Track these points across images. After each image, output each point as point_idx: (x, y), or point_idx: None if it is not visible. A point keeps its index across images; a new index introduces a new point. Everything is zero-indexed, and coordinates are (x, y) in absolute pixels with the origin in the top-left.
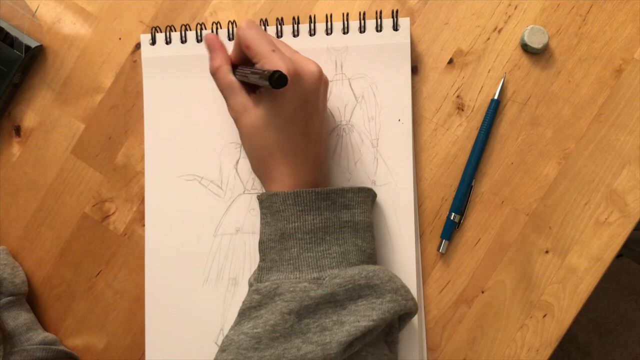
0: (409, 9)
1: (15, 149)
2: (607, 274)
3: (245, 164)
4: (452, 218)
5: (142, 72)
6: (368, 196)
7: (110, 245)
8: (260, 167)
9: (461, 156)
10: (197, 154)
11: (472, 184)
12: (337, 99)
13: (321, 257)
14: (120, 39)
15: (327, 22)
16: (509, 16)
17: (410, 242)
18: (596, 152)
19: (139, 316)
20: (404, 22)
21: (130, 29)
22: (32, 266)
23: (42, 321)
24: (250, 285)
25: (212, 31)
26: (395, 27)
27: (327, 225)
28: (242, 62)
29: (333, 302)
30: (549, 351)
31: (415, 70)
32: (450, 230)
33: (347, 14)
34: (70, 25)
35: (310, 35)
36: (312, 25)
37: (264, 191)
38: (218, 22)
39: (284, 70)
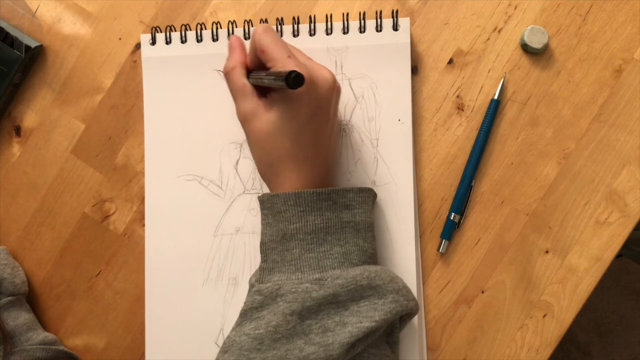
0: (409, 9)
1: (15, 149)
2: (607, 274)
3: (245, 164)
4: (452, 218)
5: (142, 72)
6: (369, 196)
7: (110, 245)
8: (267, 172)
9: (461, 156)
10: (197, 154)
11: (472, 184)
12: None
13: (323, 258)
14: (120, 39)
15: (327, 22)
16: (509, 16)
17: (410, 242)
18: (596, 152)
19: (139, 316)
20: (404, 22)
21: (130, 29)
22: (32, 266)
23: (42, 321)
24: (252, 286)
25: (212, 31)
26: (395, 27)
27: (329, 226)
28: (257, 67)
29: (335, 302)
30: (549, 351)
31: (415, 70)
32: (450, 230)
33: (347, 14)
34: (70, 25)
35: (310, 35)
36: (312, 25)
37: (265, 192)
38: (218, 22)
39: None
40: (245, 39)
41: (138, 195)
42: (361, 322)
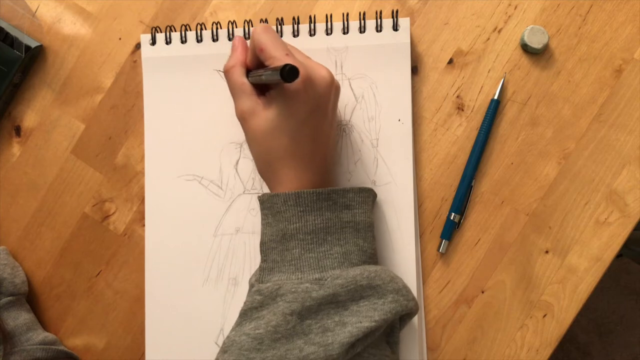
0: (409, 9)
1: (15, 149)
2: (607, 274)
3: (245, 164)
4: (452, 218)
5: (142, 72)
6: (369, 196)
7: (110, 245)
8: (266, 170)
9: (461, 156)
10: (197, 154)
11: (472, 184)
12: None
13: (323, 258)
14: (120, 39)
15: (327, 22)
16: (509, 16)
17: (410, 242)
18: (596, 152)
19: (139, 316)
20: (404, 22)
21: (130, 29)
22: (32, 266)
23: (42, 321)
24: (252, 285)
25: (212, 31)
26: (395, 27)
27: (329, 226)
28: (257, 66)
29: (335, 302)
30: (549, 351)
31: (415, 70)
32: (450, 230)
33: (347, 14)
34: (70, 25)
35: (310, 35)
36: (312, 25)
37: (265, 192)
38: (218, 22)
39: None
40: (246, 38)
41: (138, 195)
42: (361, 322)
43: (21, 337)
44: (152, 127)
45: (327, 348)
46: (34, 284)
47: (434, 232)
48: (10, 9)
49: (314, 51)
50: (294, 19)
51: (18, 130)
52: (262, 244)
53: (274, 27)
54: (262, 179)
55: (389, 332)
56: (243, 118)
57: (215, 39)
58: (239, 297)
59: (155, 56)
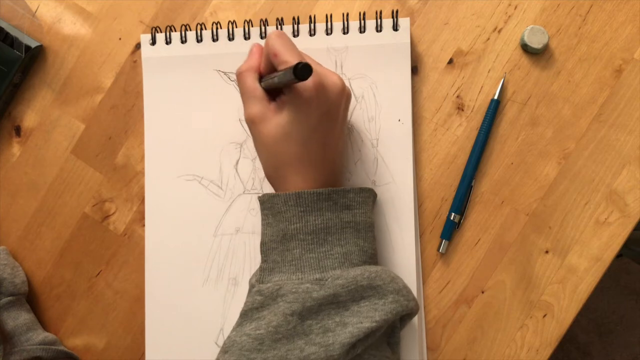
0: (409, 9)
1: (15, 149)
2: (607, 274)
3: (245, 164)
4: (452, 218)
5: (142, 72)
6: (369, 196)
7: (110, 245)
8: (275, 175)
9: (461, 156)
10: (197, 154)
11: (472, 184)
12: None
13: (323, 258)
14: (120, 39)
15: (327, 22)
16: (509, 16)
17: (410, 242)
18: (596, 152)
19: (139, 316)
20: (404, 22)
21: (130, 29)
22: (32, 266)
23: (42, 321)
24: (252, 286)
25: (212, 31)
26: (395, 27)
27: (329, 226)
28: (270, 72)
29: (336, 303)
30: (549, 351)
31: (415, 70)
32: (450, 230)
33: (347, 14)
34: (70, 25)
35: (310, 35)
36: (312, 25)
37: (266, 192)
38: (218, 22)
39: (308, 81)
40: (246, 39)
41: (138, 195)
42: (362, 323)
43: (21, 337)
44: (152, 127)
45: (328, 348)
46: (34, 284)
47: (434, 232)
48: (10, 9)
49: (314, 51)
50: (294, 19)
51: (18, 130)
52: (262, 244)
53: (274, 27)
54: (262, 179)
55: (390, 333)
56: (253, 122)
57: (215, 39)
58: (239, 297)
59: (155, 56)
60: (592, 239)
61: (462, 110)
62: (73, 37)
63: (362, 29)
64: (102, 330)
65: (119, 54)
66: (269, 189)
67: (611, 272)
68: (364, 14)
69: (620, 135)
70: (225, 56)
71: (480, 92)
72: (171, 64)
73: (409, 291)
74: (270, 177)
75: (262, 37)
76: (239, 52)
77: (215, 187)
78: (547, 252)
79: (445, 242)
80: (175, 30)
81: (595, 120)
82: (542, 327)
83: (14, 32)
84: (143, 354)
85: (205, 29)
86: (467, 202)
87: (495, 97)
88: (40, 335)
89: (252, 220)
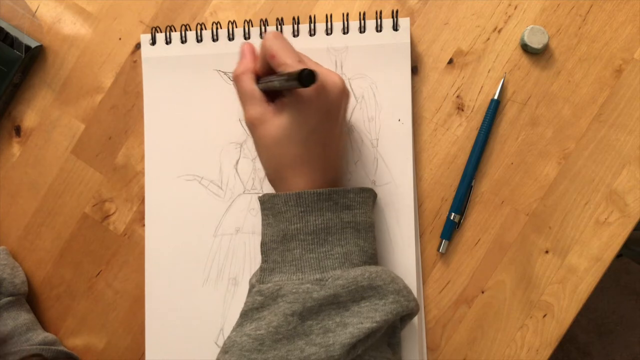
0: (409, 9)
1: (15, 149)
2: (607, 274)
3: (245, 164)
4: (452, 218)
5: (142, 72)
6: (369, 196)
7: (110, 245)
8: (276, 177)
9: (461, 156)
10: (197, 154)
11: (472, 184)
12: None
13: (324, 258)
14: (120, 39)
15: (327, 22)
16: (509, 16)
17: (410, 242)
18: (596, 152)
19: (139, 316)
20: (404, 22)
21: (130, 29)
22: (32, 266)
23: (42, 321)
24: (252, 286)
25: (212, 31)
26: (395, 27)
27: (330, 226)
28: (267, 73)
29: (336, 303)
30: (549, 351)
31: (415, 70)
32: (450, 230)
33: (347, 14)
34: (70, 25)
35: (310, 35)
36: (312, 25)
37: (266, 192)
38: (218, 22)
39: None
40: (246, 39)
41: (138, 195)
42: (362, 323)
43: (21, 337)
44: (152, 127)
45: (329, 349)
46: (34, 284)
47: (434, 232)
48: (10, 9)
49: (314, 51)
50: (294, 19)
51: (18, 130)
52: (262, 244)
53: (274, 27)
54: (262, 179)
55: (391, 333)
56: (253, 125)
57: (215, 39)
58: (239, 297)
59: (155, 56)
60: (592, 239)
61: (462, 110)
62: (73, 37)
63: (362, 29)
64: (102, 330)
65: (119, 54)
66: (269, 189)
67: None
68: (364, 14)
69: (620, 135)
70: (225, 56)
71: (480, 92)
72: (171, 64)
73: (410, 291)
74: (271, 178)
75: (262, 37)
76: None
77: (215, 187)
78: (547, 252)
79: (445, 242)
80: (175, 30)
81: (595, 120)
82: (542, 327)
83: (14, 32)
84: (143, 354)
85: (205, 29)
86: (467, 202)
87: (495, 97)
88: (40, 335)
89: (252, 220)
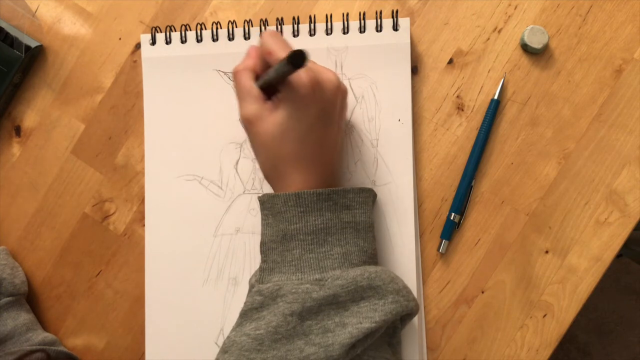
0: (409, 9)
1: (15, 149)
2: (607, 274)
3: (245, 164)
4: (452, 218)
5: (142, 72)
6: (369, 197)
7: (110, 245)
8: (272, 174)
9: (461, 156)
10: (197, 154)
11: (472, 184)
12: None
13: (323, 258)
14: (120, 39)
15: (327, 22)
16: (509, 16)
17: (410, 242)
18: (596, 152)
19: (139, 316)
20: (404, 22)
21: (130, 29)
22: (32, 266)
23: (42, 321)
24: (252, 286)
25: (212, 31)
26: (395, 27)
27: (329, 226)
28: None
29: (335, 303)
30: (549, 351)
31: (415, 70)
32: (450, 230)
33: (347, 14)
34: (70, 25)
35: (310, 35)
36: (312, 25)
37: (266, 192)
38: (218, 22)
39: (304, 78)
40: (246, 39)
41: (138, 195)
42: (361, 323)
43: (21, 337)
44: (152, 127)
45: (328, 349)
46: (34, 284)
47: (434, 232)
48: (10, 9)
49: (314, 51)
50: (294, 19)
51: (18, 130)
52: (262, 244)
53: (274, 27)
54: (262, 179)
55: (391, 333)
56: (249, 121)
57: (215, 39)
58: (239, 297)
59: (155, 56)
60: (592, 239)
61: (462, 110)
62: (73, 37)
63: (362, 29)
64: (102, 330)
65: (119, 54)
66: (269, 189)
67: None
68: (364, 14)
69: (620, 135)
70: (225, 56)
71: (480, 92)
72: (171, 64)
73: (409, 291)
74: (268, 176)
75: None
76: (239, 52)
77: (215, 187)
78: (547, 252)
79: (445, 242)
80: (175, 30)
81: (595, 120)
82: (542, 327)
83: (14, 32)
84: (143, 354)
85: (205, 29)
86: (467, 202)
87: (495, 97)
88: (40, 335)
89: (252, 220)
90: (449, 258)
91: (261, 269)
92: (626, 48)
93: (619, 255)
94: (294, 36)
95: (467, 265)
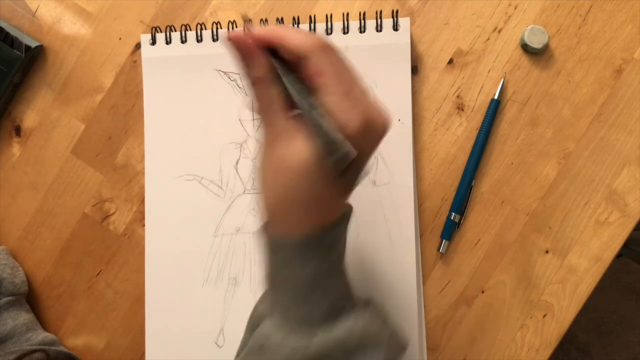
0: (409, 9)
1: (15, 149)
2: (607, 274)
3: (245, 164)
4: (452, 218)
5: (142, 72)
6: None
7: (110, 245)
8: (275, 207)
9: (461, 156)
10: (197, 154)
11: (472, 184)
12: None
13: (310, 312)
14: (120, 39)
15: (327, 22)
16: (509, 16)
17: (410, 242)
18: (596, 152)
19: (139, 316)
20: (404, 22)
21: (130, 29)
22: (32, 266)
23: (42, 321)
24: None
25: (212, 32)
26: (395, 27)
27: (318, 275)
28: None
29: None
30: (549, 351)
31: (415, 70)
32: (450, 230)
33: (347, 14)
34: (70, 25)
35: None
36: (312, 25)
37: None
38: (218, 22)
39: (353, 122)
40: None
41: (138, 195)
42: None
43: (21, 337)
44: (152, 127)
45: None
46: (34, 284)
47: (434, 232)
48: (10, 9)
49: None
50: (294, 19)
51: (18, 130)
52: (264, 276)
53: None
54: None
55: None
56: (267, 142)
57: (215, 39)
58: (239, 297)
59: (155, 56)
60: (592, 239)
61: (462, 110)
62: (73, 37)
63: (362, 29)
64: (102, 330)
65: (119, 54)
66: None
67: (611, 272)
68: (364, 14)
69: (620, 135)
70: (225, 56)
71: (480, 92)
72: (171, 64)
73: (396, 334)
74: (269, 208)
75: None
76: None
77: (216, 187)
78: (547, 252)
79: (445, 242)
80: (175, 30)
81: (595, 120)
82: (542, 327)
83: (14, 32)
84: (143, 354)
85: (205, 29)
86: (467, 202)
87: (495, 97)
88: (40, 335)
89: (252, 220)
90: (449, 258)
91: (268, 295)
92: (626, 48)
93: (619, 255)
94: None
95: (467, 265)
